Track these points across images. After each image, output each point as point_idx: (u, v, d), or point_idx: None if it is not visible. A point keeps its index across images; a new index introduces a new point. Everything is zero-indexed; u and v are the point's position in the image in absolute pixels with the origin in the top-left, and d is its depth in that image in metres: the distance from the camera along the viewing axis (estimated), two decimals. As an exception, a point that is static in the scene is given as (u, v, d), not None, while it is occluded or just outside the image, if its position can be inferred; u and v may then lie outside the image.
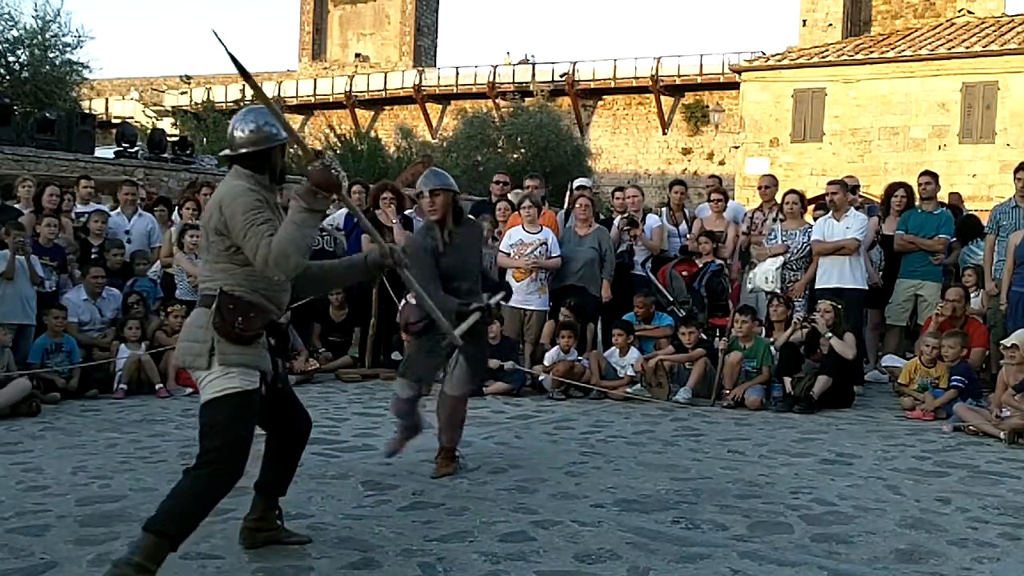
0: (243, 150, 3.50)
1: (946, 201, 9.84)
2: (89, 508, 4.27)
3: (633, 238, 8.95)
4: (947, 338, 7.33)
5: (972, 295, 8.21)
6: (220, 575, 3.49)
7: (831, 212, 8.36)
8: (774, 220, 8.96)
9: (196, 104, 36.37)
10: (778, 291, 8.32)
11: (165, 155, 17.52)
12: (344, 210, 9.90)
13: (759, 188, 9.80)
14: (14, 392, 6.60)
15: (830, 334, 7.39)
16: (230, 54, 3.32)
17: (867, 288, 8.30)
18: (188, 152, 18.51)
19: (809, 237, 8.48)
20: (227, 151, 3.55)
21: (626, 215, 9.07)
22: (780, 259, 8.48)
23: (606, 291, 8.56)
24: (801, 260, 8.49)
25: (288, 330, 3.74)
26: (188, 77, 42.69)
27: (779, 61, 23.94)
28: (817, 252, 8.26)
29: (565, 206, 9.73)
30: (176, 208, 9.95)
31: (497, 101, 34.06)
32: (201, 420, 3.38)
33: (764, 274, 8.50)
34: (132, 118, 30.95)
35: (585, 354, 8.14)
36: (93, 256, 8.55)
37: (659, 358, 7.85)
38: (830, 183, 8.59)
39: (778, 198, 9.78)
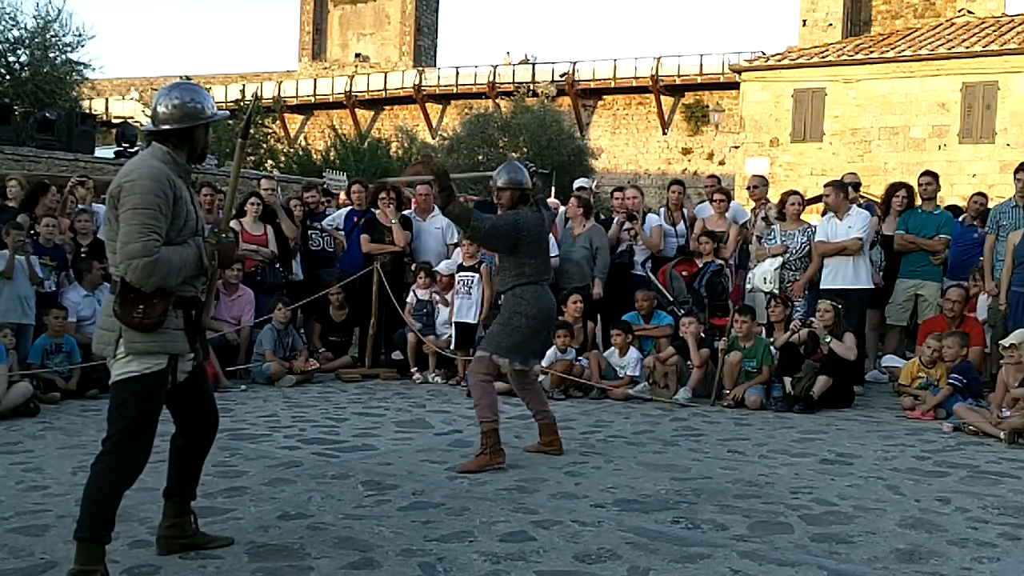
0: (165, 126, 3.40)
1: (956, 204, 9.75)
2: (89, 508, 4.27)
3: (634, 238, 8.95)
4: (947, 338, 7.33)
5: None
6: (220, 575, 3.48)
7: (830, 213, 8.35)
8: (763, 219, 8.94)
9: (196, 104, 36.30)
10: (776, 292, 8.31)
11: (165, 155, 17.55)
12: (345, 209, 9.90)
13: (748, 188, 9.80)
14: (15, 396, 6.62)
15: (829, 338, 7.38)
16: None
17: (872, 287, 8.27)
18: (188, 152, 18.51)
19: (808, 237, 8.47)
20: (148, 125, 3.45)
21: (625, 210, 9.10)
22: (779, 259, 8.47)
23: (597, 289, 8.58)
24: (800, 260, 8.48)
25: (202, 305, 3.60)
26: (187, 78, 42.70)
27: (779, 61, 23.93)
28: (820, 253, 8.24)
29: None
30: None
31: (499, 100, 34.07)
32: (112, 404, 3.37)
33: (763, 275, 8.48)
34: (132, 118, 30.96)
35: (585, 354, 8.13)
36: (83, 255, 8.49)
37: (673, 355, 7.84)
38: (825, 185, 8.59)
39: (769, 197, 9.78)
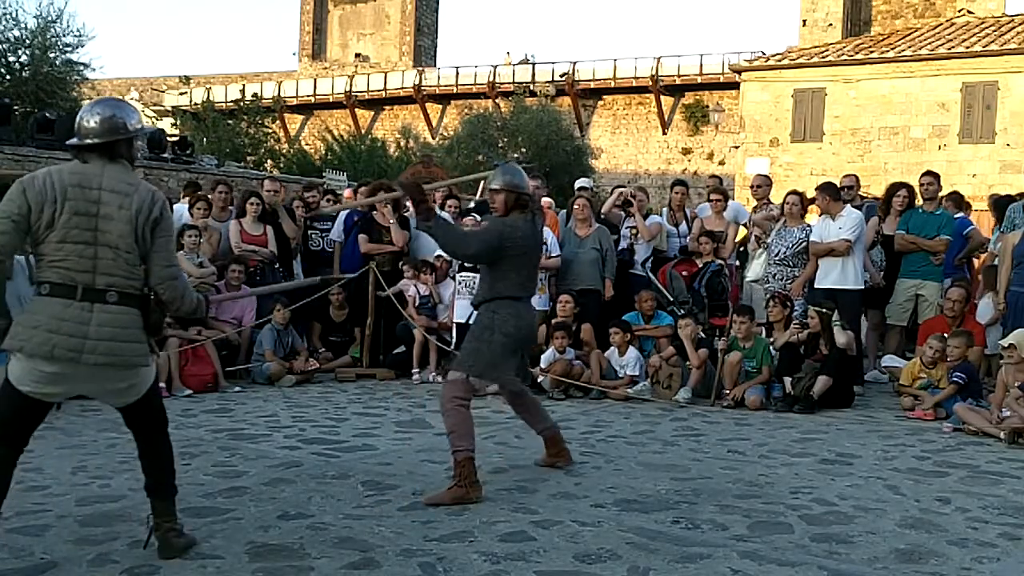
0: (88, 140, 3.45)
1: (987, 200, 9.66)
2: (89, 508, 4.28)
3: (634, 236, 8.96)
4: (953, 338, 7.33)
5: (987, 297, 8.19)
6: (220, 575, 3.48)
7: (825, 214, 8.36)
8: (769, 220, 8.97)
9: (196, 104, 36.43)
10: (758, 279, 8.36)
11: (165, 155, 17.56)
12: (346, 211, 9.86)
13: (752, 187, 9.81)
14: None
15: (840, 321, 7.38)
16: None
17: (863, 288, 8.26)
18: (188, 152, 18.55)
19: (806, 234, 8.47)
20: (74, 140, 3.49)
21: (622, 198, 9.18)
22: (764, 253, 8.56)
23: (608, 290, 8.58)
24: (797, 257, 8.48)
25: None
26: (187, 78, 42.70)
27: (779, 61, 23.94)
28: (812, 253, 8.28)
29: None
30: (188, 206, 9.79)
31: (498, 100, 34.11)
32: (150, 405, 3.70)
33: (754, 267, 8.61)
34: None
35: (585, 349, 8.12)
36: None
37: (674, 355, 7.84)
38: (816, 188, 8.60)
39: (772, 197, 9.79)
